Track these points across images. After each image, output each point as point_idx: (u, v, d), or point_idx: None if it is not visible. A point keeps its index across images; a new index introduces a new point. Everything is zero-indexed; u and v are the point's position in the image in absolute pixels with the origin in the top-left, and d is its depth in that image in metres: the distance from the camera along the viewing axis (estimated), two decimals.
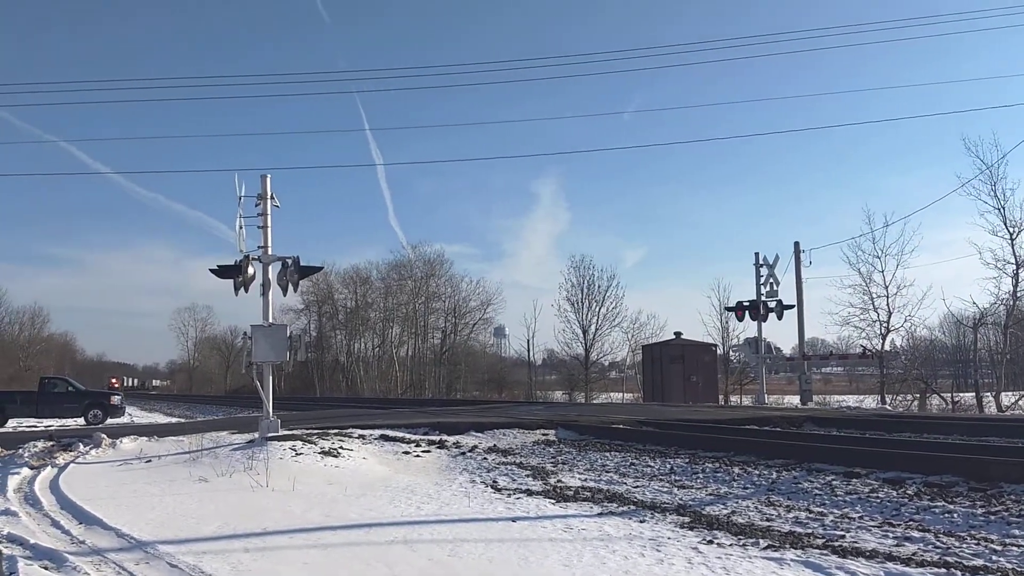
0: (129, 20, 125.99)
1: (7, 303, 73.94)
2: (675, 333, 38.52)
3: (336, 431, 14.14)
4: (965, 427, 14.65)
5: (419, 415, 19.57)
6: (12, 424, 26.24)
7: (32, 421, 26.89)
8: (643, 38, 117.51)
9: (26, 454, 12.46)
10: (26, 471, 11.18)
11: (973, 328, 33.69)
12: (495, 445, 13.63)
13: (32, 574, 5.52)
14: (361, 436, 13.79)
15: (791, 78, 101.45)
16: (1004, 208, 29.80)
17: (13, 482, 10.20)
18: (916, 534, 6.53)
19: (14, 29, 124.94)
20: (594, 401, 42.48)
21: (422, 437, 14.19)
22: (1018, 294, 30.53)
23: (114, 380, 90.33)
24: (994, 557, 5.68)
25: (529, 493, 9.09)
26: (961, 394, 34.47)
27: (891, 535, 6.54)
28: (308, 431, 13.84)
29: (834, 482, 9.09)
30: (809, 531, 6.81)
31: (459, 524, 7.37)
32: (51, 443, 13.42)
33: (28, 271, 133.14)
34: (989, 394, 32.18)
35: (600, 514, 7.80)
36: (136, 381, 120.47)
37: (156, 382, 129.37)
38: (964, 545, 6.08)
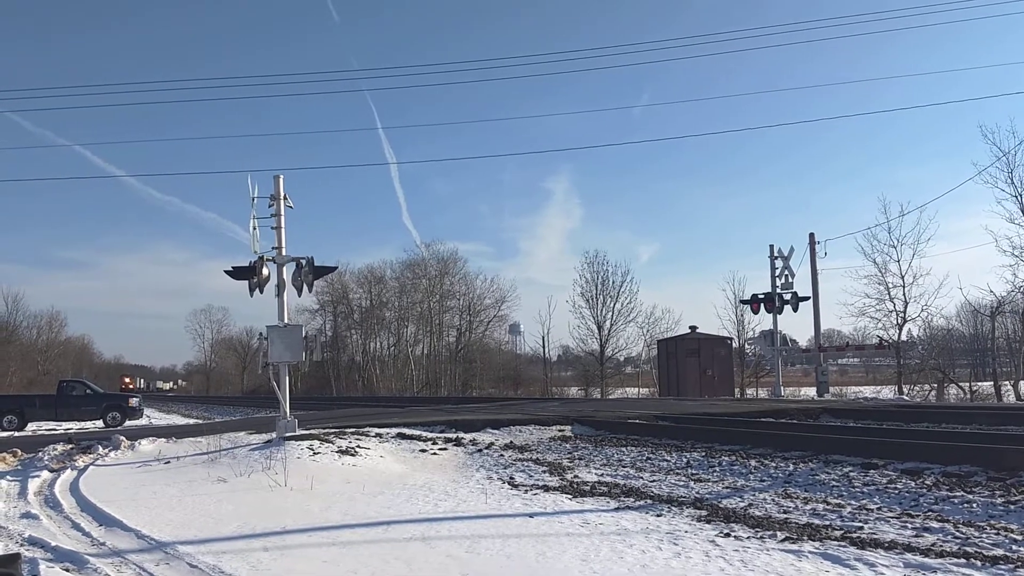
0: (139, 22, 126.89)
1: (24, 307, 74.24)
2: (690, 327, 38.28)
3: (353, 430, 14.19)
4: (983, 417, 14.54)
5: (435, 413, 19.61)
6: (32, 427, 26.51)
7: (51, 424, 27.16)
8: (652, 31, 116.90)
9: (46, 457, 12.58)
10: (46, 474, 11.31)
11: (991, 317, 33.45)
12: (511, 442, 13.65)
13: None
14: (378, 435, 13.83)
15: (802, 68, 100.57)
16: (1021, 195, 29.39)
17: (34, 485, 10.32)
18: (935, 525, 6.50)
19: (25, 34, 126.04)
20: (610, 397, 42.46)
21: (439, 435, 14.22)
22: None
23: (127, 379, 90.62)
24: (1014, 547, 5.65)
25: (546, 489, 9.10)
26: (979, 383, 34.28)
27: (910, 526, 6.51)
28: (325, 430, 13.91)
29: (851, 473, 9.05)
30: (827, 523, 6.80)
31: (476, 521, 7.39)
32: (70, 446, 13.55)
33: (45, 275, 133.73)
34: (1008, 383, 31.96)
35: (617, 509, 7.80)
36: (143, 382, 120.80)
37: (160, 383, 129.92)
38: (984, 535, 6.05)
